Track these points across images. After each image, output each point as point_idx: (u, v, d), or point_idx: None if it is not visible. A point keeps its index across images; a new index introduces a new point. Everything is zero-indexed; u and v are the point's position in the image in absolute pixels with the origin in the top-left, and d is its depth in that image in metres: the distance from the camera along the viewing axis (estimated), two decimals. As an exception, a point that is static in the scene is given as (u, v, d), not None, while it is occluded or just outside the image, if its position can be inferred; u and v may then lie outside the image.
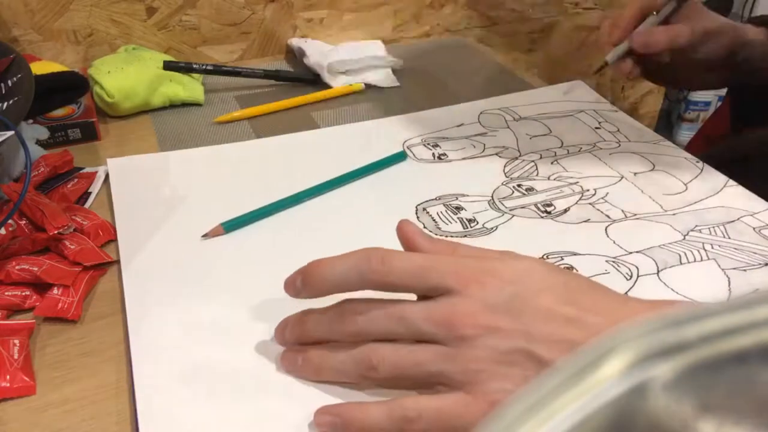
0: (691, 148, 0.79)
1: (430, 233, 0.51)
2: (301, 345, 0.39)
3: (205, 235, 0.50)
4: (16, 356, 0.39)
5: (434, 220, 0.52)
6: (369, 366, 0.34)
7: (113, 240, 0.50)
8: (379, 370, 0.34)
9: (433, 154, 0.61)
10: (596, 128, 0.65)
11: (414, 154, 0.61)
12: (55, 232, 0.47)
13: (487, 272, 0.33)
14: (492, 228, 0.51)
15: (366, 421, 0.33)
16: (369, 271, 0.34)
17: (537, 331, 0.32)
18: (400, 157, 0.60)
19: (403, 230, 0.38)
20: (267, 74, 0.75)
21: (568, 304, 0.32)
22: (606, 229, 0.51)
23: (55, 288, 0.44)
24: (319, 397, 0.37)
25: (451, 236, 0.50)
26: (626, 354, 0.12)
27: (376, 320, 0.35)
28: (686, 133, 1.88)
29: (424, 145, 0.63)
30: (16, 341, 0.40)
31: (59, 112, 0.64)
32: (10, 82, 0.55)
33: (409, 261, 0.34)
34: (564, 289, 0.33)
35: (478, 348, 0.32)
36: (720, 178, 0.57)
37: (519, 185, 0.57)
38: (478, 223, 0.52)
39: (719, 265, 0.47)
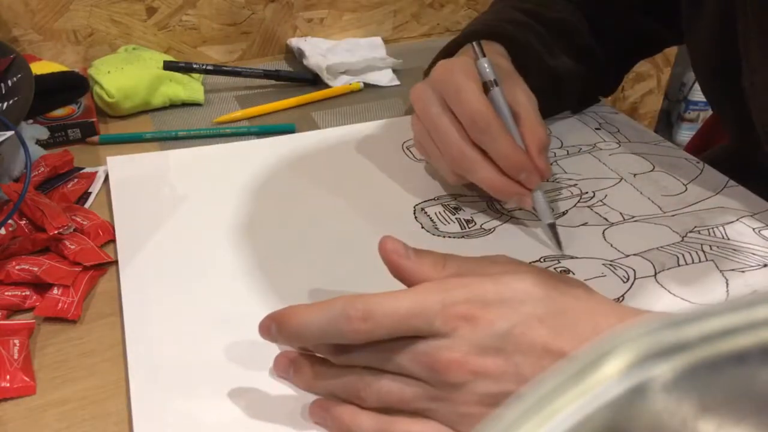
0: (690, 148, 0.79)
1: (428, 234, 0.51)
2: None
3: None
4: (16, 356, 0.39)
5: (432, 220, 0.52)
6: (356, 396, 0.34)
7: (113, 240, 0.50)
8: (366, 401, 0.34)
9: (433, 154, 0.61)
10: (596, 129, 0.65)
11: (413, 154, 0.61)
12: (55, 232, 0.47)
13: (477, 304, 0.32)
14: (490, 229, 0.51)
15: (353, 429, 0.34)
16: (350, 331, 0.32)
17: (529, 371, 0.31)
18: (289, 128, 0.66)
19: (385, 252, 0.35)
20: (267, 74, 0.75)
21: (564, 337, 0.31)
22: (603, 233, 0.51)
23: (55, 288, 0.44)
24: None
25: (449, 237, 0.50)
26: (626, 354, 0.12)
27: (363, 355, 0.34)
28: (686, 133, 1.88)
29: (424, 145, 0.63)
30: (16, 341, 0.40)
31: (59, 112, 0.64)
32: (10, 82, 0.55)
33: (393, 311, 0.32)
34: (561, 317, 0.32)
35: (466, 393, 0.31)
36: (720, 178, 0.57)
37: (518, 186, 0.57)
38: (476, 224, 0.52)
39: (717, 267, 0.47)
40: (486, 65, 0.49)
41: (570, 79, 0.61)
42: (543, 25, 0.60)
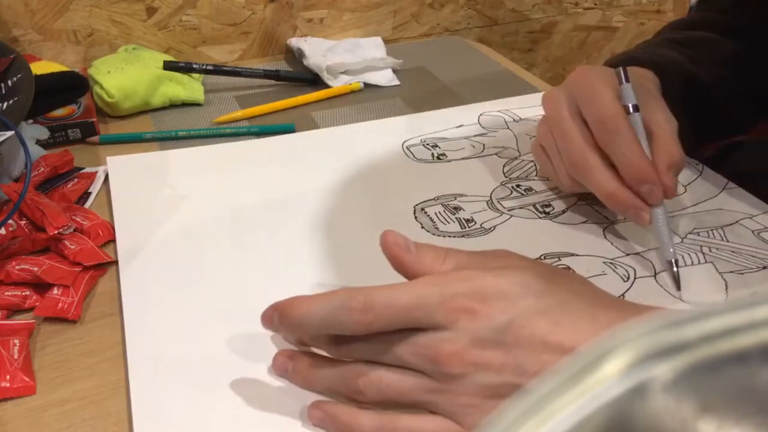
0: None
1: (428, 233, 0.51)
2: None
3: None
4: (16, 356, 0.39)
5: (432, 220, 0.52)
6: (356, 390, 0.34)
7: (113, 240, 0.50)
8: (365, 395, 0.34)
9: (432, 154, 0.61)
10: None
11: (413, 154, 0.61)
12: (55, 232, 0.47)
13: (476, 297, 0.32)
14: (490, 228, 0.51)
15: (353, 429, 0.34)
16: (351, 321, 0.32)
17: (528, 364, 0.31)
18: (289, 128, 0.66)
19: (387, 245, 0.36)
20: (267, 74, 0.75)
21: (563, 330, 0.31)
22: (604, 231, 0.51)
23: (55, 288, 0.44)
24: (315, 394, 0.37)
25: (449, 236, 0.50)
26: (626, 354, 0.12)
27: (363, 347, 0.34)
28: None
29: (423, 145, 0.63)
30: (16, 341, 0.40)
31: (59, 112, 0.64)
32: (10, 82, 0.55)
33: (393, 303, 0.32)
34: (560, 310, 0.32)
35: (466, 385, 0.32)
36: (719, 179, 0.57)
37: (518, 185, 0.57)
38: (476, 223, 0.52)
39: (716, 269, 0.47)
40: (629, 90, 0.47)
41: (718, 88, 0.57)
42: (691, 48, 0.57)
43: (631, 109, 0.46)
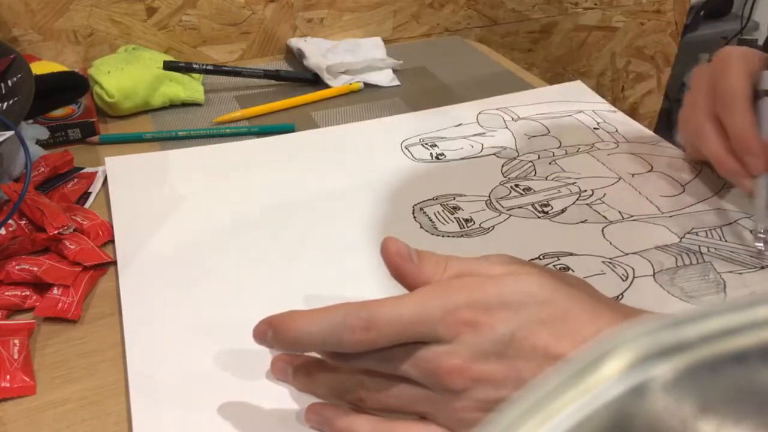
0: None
1: (427, 233, 0.51)
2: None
3: None
4: (16, 356, 0.39)
5: (431, 220, 0.52)
6: (357, 398, 0.34)
7: (113, 240, 0.50)
8: (366, 404, 0.34)
9: (431, 153, 0.61)
10: (595, 129, 0.66)
11: (412, 154, 0.61)
12: (55, 232, 0.47)
13: (479, 309, 0.31)
14: (489, 228, 0.51)
15: None
16: (353, 341, 0.31)
17: (530, 376, 0.30)
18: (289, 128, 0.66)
19: (389, 254, 0.35)
20: (267, 74, 0.75)
21: (565, 342, 0.31)
22: (603, 230, 0.51)
23: (55, 288, 0.44)
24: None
25: (448, 236, 0.50)
26: (626, 354, 0.12)
27: (364, 360, 0.33)
28: (685, 134, 1.87)
29: (422, 144, 0.63)
30: (16, 341, 0.40)
31: (59, 112, 0.64)
32: (10, 82, 0.55)
33: (396, 318, 0.31)
34: (563, 320, 0.31)
35: (466, 400, 0.31)
36: (718, 179, 0.57)
37: (516, 185, 0.57)
38: (475, 223, 0.52)
39: (715, 268, 0.47)
40: (765, 76, 0.50)
41: None
42: None
43: (762, 94, 0.50)
